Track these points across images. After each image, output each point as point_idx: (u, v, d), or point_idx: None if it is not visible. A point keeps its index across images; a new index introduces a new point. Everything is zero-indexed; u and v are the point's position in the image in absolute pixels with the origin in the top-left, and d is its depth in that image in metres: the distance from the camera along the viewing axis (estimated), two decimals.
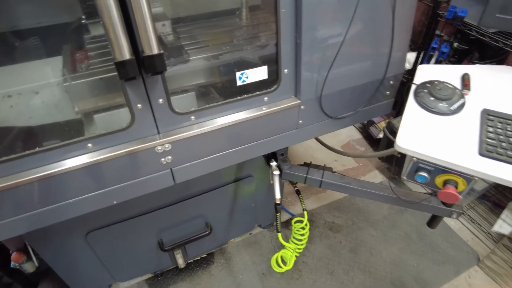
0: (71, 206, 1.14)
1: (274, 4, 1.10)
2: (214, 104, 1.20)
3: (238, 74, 1.19)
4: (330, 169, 1.84)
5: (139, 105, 1.07)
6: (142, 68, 0.93)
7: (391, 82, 1.50)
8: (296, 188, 2.06)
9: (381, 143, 2.73)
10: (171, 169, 1.24)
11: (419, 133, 1.04)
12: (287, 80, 1.27)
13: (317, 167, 1.85)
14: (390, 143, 2.54)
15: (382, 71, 1.43)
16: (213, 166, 1.32)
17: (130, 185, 1.20)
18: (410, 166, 1.03)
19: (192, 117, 1.18)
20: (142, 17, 0.81)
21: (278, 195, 1.56)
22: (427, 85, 1.17)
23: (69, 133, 1.26)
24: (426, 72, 1.28)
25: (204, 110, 1.20)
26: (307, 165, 1.84)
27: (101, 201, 1.19)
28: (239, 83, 1.21)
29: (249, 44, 1.45)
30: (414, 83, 1.21)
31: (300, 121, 1.38)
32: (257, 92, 1.26)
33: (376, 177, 2.78)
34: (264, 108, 1.27)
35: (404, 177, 1.08)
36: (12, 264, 1.69)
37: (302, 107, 1.33)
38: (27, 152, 1.03)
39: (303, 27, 1.15)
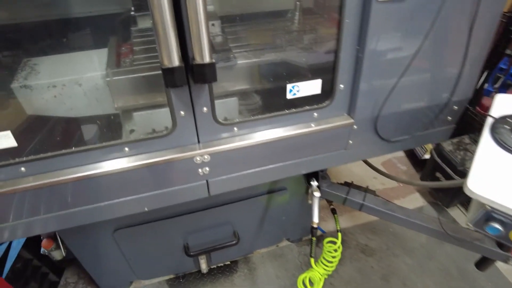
0: (103, 209, 1.10)
1: (338, 14, 0.99)
2: (259, 116, 1.11)
3: (289, 86, 1.09)
4: (373, 192, 1.70)
5: (182, 112, 1.00)
6: (190, 75, 0.85)
7: (455, 107, 1.34)
8: (332, 207, 1.93)
9: (427, 166, 2.53)
10: (207, 180, 1.16)
11: (496, 177, 0.89)
12: (341, 97, 1.15)
13: (358, 188, 1.72)
14: (438, 167, 2.34)
15: (447, 94, 1.27)
16: (251, 181, 1.23)
17: (163, 193, 1.14)
18: (480, 214, 0.89)
19: (235, 128, 1.10)
20: (197, 21, 0.73)
21: (316, 219, 1.45)
22: (509, 120, 1.01)
23: (107, 128, 1.22)
24: (506, 104, 1.12)
25: (249, 122, 1.11)
26: (348, 185, 1.71)
27: (133, 207, 1.14)
28: (289, 96, 1.11)
29: (302, 52, 1.34)
30: (491, 116, 1.05)
31: (350, 142, 1.26)
32: (307, 107, 1.15)
33: (416, 200, 2.58)
34: (312, 125, 1.16)
35: (470, 224, 0.94)
36: (42, 250, 1.71)
37: (355, 127, 1.21)
38: (64, 151, 0.99)
39: (368, 41, 1.02)
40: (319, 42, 1.31)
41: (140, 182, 1.08)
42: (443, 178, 2.32)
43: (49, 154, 0.98)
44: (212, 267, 2.10)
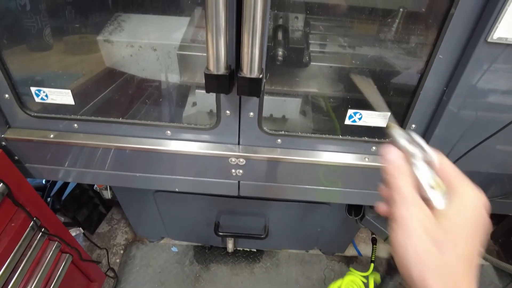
0: (139, 179, 1.15)
1: (431, 47, 0.82)
2: (308, 134, 1.02)
3: (350, 112, 0.97)
4: None
5: (228, 112, 0.96)
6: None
7: None
8: (373, 235, 1.79)
9: (506, 222, 2.16)
10: (238, 181, 1.13)
11: None
12: None
13: None
14: None
15: None
16: (285, 194, 1.16)
17: (196, 181, 1.14)
18: None
19: (279, 140, 1.03)
20: (251, 31, 0.66)
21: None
22: None
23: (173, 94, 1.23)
24: None
25: (295, 137, 1.02)
26: None
27: (165, 184, 1.17)
28: (347, 121, 0.98)
29: (380, 71, 1.17)
30: None
31: None
32: (365, 138, 1.02)
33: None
34: (366, 159, 1.03)
35: None
36: (95, 186, 1.90)
37: None
38: (113, 119, 1.03)
39: (459, 86, 0.84)
40: (403, 68, 1.12)
41: (174, 166, 1.09)
42: None
43: (100, 118, 1.03)
44: (238, 249, 2.14)
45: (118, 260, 2.11)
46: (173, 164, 1.08)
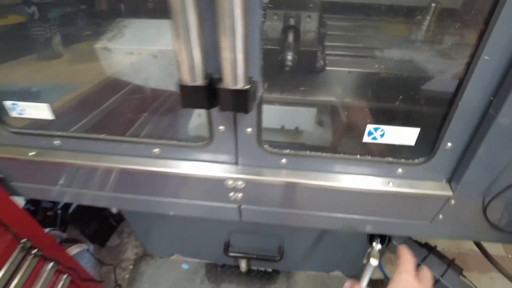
0: (127, 200, 1.02)
1: (475, 47, 0.63)
2: (319, 154, 0.85)
3: (369, 127, 0.79)
4: (459, 270, 1.29)
5: (221, 127, 0.81)
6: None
7: None
8: None
9: None
10: (239, 206, 0.98)
11: None
12: (444, 158, 0.80)
13: (441, 257, 1.32)
14: None
15: None
16: (295, 221, 1.00)
17: (190, 204, 1.00)
18: None
19: (283, 160, 0.86)
20: (230, 30, 0.51)
21: (364, 285, 1.14)
22: None
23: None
24: None
25: (303, 157, 0.86)
26: (429, 248, 1.33)
27: (158, 207, 1.04)
28: (366, 139, 0.81)
29: (410, 75, 0.99)
30: None
31: (440, 216, 0.90)
32: (390, 159, 0.83)
33: None
34: (391, 184, 0.85)
35: None
36: None
37: (453, 201, 0.84)
38: (96, 136, 0.91)
39: None
40: (437, 73, 0.93)
41: (164, 188, 0.96)
42: None
43: (83, 135, 0.91)
44: (252, 268, 1.98)
45: (127, 276, 2.01)
46: (162, 185, 0.95)
